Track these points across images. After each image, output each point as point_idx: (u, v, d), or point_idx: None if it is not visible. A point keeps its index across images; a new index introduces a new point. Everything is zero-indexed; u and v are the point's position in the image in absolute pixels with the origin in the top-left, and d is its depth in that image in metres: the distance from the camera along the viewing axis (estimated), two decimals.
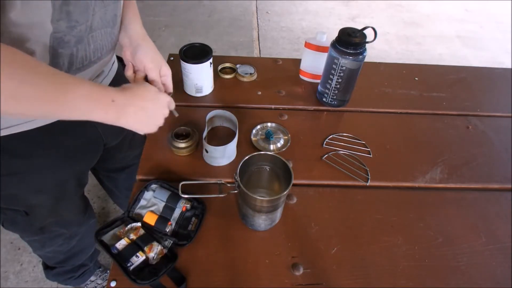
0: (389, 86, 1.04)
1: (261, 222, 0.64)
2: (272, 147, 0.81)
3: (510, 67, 1.21)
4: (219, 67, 1.03)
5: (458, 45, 2.92)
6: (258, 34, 2.80)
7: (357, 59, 0.81)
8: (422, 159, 0.82)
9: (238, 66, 1.03)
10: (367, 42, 0.80)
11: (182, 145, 0.76)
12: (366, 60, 0.84)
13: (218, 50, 2.52)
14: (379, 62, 1.13)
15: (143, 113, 0.58)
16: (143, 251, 0.59)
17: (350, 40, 0.79)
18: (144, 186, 0.69)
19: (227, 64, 1.05)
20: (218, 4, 3.11)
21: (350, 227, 0.68)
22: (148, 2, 3.02)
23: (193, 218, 0.66)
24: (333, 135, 0.86)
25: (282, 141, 0.82)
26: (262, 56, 2.53)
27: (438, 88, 1.04)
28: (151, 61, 0.70)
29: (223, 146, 0.72)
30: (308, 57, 0.98)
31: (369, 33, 0.79)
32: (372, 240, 0.66)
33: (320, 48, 0.94)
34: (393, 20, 3.19)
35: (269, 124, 0.86)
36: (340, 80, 0.86)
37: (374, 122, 0.92)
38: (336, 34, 0.83)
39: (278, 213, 0.65)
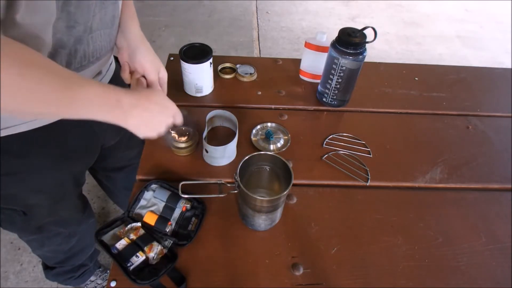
0: (389, 86, 1.04)
1: (261, 222, 0.64)
2: (272, 147, 0.81)
3: (510, 67, 1.21)
4: (219, 67, 1.03)
5: (458, 45, 2.92)
6: (258, 34, 2.80)
7: (357, 59, 0.81)
8: (422, 159, 0.82)
9: (238, 66, 1.03)
10: (367, 42, 0.80)
11: (182, 145, 0.76)
12: (366, 60, 0.84)
13: (218, 50, 2.52)
14: (379, 62, 1.13)
15: (148, 115, 0.57)
16: (143, 251, 0.59)
17: (350, 40, 0.79)
18: (144, 186, 0.69)
19: (227, 64, 1.05)
20: (218, 4, 3.11)
21: (350, 227, 0.68)
22: (148, 2, 3.02)
23: (193, 218, 0.66)
24: (333, 135, 0.86)
25: (282, 141, 0.82)
26: (262, 56, 2.53)
27: (438, 88, 1.04)
28: (150, 64, 0.70)
29: (223, 146, 0.72)
30: (308, 57, 0.98)
31: (369, 33, 0.79)
32: (372, 240, 0.66)
33: (320, 48, 0.94)
34: (393, 20, 3.19)
35: (269, 124, 0.86)
36: (340, 80, 0.86)
37: (374, 122, 0.92)
38: (336, 34, 0.83)
39: (278, 213, 0.65)
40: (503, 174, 0.80)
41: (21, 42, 0.47)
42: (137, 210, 0.67)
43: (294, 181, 0.59)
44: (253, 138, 0.82)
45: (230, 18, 2.94)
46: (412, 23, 3.17)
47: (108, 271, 1.31)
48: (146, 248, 0.60)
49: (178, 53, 0.89)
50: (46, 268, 1.12)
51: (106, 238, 0.62)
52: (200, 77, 0.90)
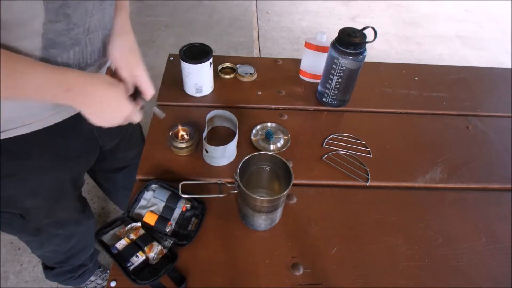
0: (389, 86, 1.04)
1: (261, 222, 0.64)
2: (272, 147, 0.81)
3: (510, 67, 1.21)
4: (219, 67, 1.03)
5: (458, 45, 2.92)
6: (258, 34, 2.80)
7: (357, 59, 0.81)
8: (422, 159, 0.82)
9: (238, 66, 1.03)
10: (367, 42, 0.80)
11: (182, 145, 0.76)
12: (366, 60, 0.84)
13: (218, 50, 2.52)
14: (379, 62, 1.13)
15: (97, 107, 0.56)
16: (143, 251, 0.59)
17: (350, 40, 0.79)
18: (144, 186, 0.69)
19: (227, 64, 1.05)
20: (218, 4, 3.11)
21: (350, 227, 0.68)
22: (148, 2, 3.02)
23: (193, 218, 0.66)
24: (333, 135, 0.86)
25: (282, 141, 0.82)
26: (262, 56, 2.53)
27: (438, 88, 1.04)
28: (121, 59, 0.64)
29: (223, 146, 0.72)
30: (308, 57, 0.98)
31: (369, 33, 0.79)
32: (372, 240, 0.66)
33: (320, 48, 0.94)
34: (393, 20, 3.19)
35: (269, 124, 0.86)
36: (340, 80, 0.86)
37: (374, 122, 0.92)
38: (336, 34, 0.83)
39: (278, 213, 0.65)
40: (503, 174, 0.80)
41: (3, 41, 0.47)
42: (137, 210, 0.67)
43: (294, 181, 0.59)
44: (253, 138, 0.82)
45: (230, 18, 2.93)
46: (412, 23, 3.16)
47: (108, 271, 1.31)
48: (146, 248, 0.60)
49: (178, 53, 0.89)
50: (46, 268, 1.12)
51: (106, 238, 0.62)
52: (200, 77, 0.90)
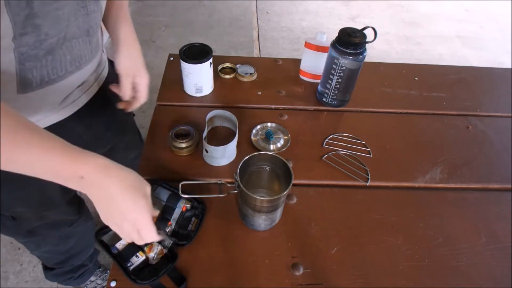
0: (389, 86, 1.04)
1: (261, 222, 0.64)
2: (272, 147, 0.81)
3: (510, 67, 1.21)
4: (219, 67, 1.03)
5: (458, 45, 2.92)
6: (258, 34, 2.80)
7: (357, 59, 0.81)
8: (422, 159, 0.82)
9: (238, 66, 1.03)
10: (367, 42, 0.80)
11: (182, 145, 0.76)
12: (366, 60, 0.84)
13: (218, 50, 2.52)
14: (379, 62, 1.13)
15: (107, 208, 0.48)
16: (143, 251, 0.59)
17: (350, 40, 0.79)
18: None
19: (227, 64, 1.05)
20: (218, 4, 3.11)
21: (350, 227, 0.68)
22: (148, 2, 3.02)
23: (193, 218, 0.66)
24: (333, 135, 0.86)
25: (282, 141, 0.82)
26: (262, 56, 2.53)
27: (438, 88, 1.04)
28: (126, 69, 0.69)
29: (223, 146, 0.72)
30: (308, 57, 0.98)
31: (369, 33, 0.79)
32: (372, 240, 0.66)
33: (320, 48, 0.94)
34: (393, 20, 3.19)
35: (269, 124, 0.86)
36: (340, 80, 0.86)
37: (374, 122, 0.92)
38: (336, 34, 0.83)
39: (278, 213, 0.65)
40: (503, 174, 0.80)
41: None
42: None
43: (294, 181, 0.59)
44: (253, 138, 0.82)
45: (230, 18, 2.93)
46: (412, 23, 3.17)
47: (108, 271, 1.31)
48: (146, 248, 0.60)
49: (178, 53, 0.89)
50: (46, 268, 1.12)
51: (106, 238, 0.62)
52: (200, 77, 0.90)
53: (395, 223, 0.69)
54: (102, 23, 0.71)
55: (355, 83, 0.89)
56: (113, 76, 0.84)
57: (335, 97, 0.90)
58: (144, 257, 0.59)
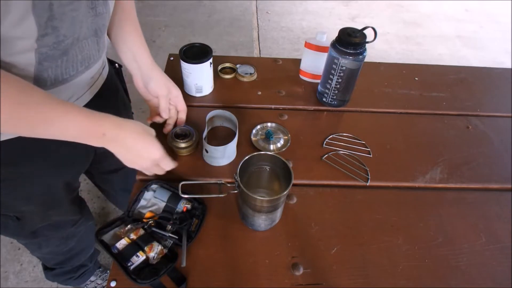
0: (389, 86, 1.04)
1: (261, 222, 0.64)
2: (272, 147, 0.81)
3: (510, 67, 1.21)
4: (219, 67, 1.03)
5: (458, 45, 2.92)
6: (258, 34, 2.80)
7: (357, 59, 0.81)
8: (422, 159, 0.82)
9: (238, 66, 1.03)
10: (367, 42, 0.80)
11: (182, 145, 0.76)
12: (366, 60, 0.84)
13: (218, 50, 2.52)
14: (379, 62, 1.13)
15: (125, 152, 0.60)
16: (143, 251, 0.59)
17: (350, 40, 0.79)
18: (144, 186, 0.69)
19: (227, 64, 1.05)
20: (218, 4, 3.11)
21: (350, 227, 0.68)
22: (148, 2, 3.02)
23: (194, 219, 0.66)
24: (333, 135, 0.86)
25: (282, 141, 0.82)
26: (262, 56, 2.53)
27: (438, 88, 1.04)
28: (163, 90, 0.75)
29: (223, 146, 0.72)
30: (308, 57, 0.98)
31: (369, 33, 0.79)
32: (372, 240, 0.66)
33: (320, 48, 0.94)
34: (393, 20, 3.20)
35: (269, 124, 0.86)
36: (340, 80, 0.86)
37: (374, 122, 0.92)
38: (336, 34, 0.83)
39: (278, 213, 0.65)
40: (503, 174, 0.81)
41: (2, 60, 0.48)
42: (137, 210, 0.67)
43: (294, 181, 0.59)
44: (253, 138, 0.82)
45: (230, 18, 2.94)
46: (412, 23, 3.17)
47: (108, 271, 1.31)
48: (146, 248, 0.60)
49: (178, 53, 0.89)
50: (46, 268, 1.12)
51: (107, 237, 0.62)
52: (200, 77, 0.90)
53: (395, 223, 0.69)
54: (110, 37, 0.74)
55: (355, 83, 0.89)
56: (112, 75, 0.84)
57: (335, 97, 0.90)
58: (144, 257, 0.59)
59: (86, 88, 0.69)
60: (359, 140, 0.85)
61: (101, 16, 0.61)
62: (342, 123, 0.91)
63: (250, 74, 1.01)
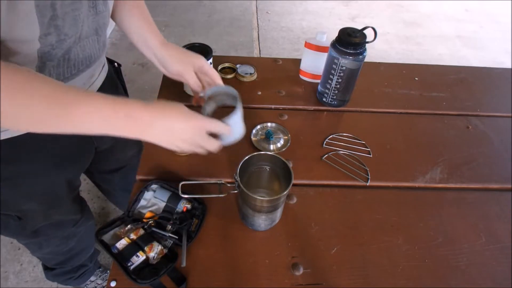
0: (389, 86, 1.04)
1: (261, 222, 0.64)
2: (272, 147, 0.81)
3: (510, 67, 1.21)
4: (219, 67, 1.03)
5: (458, 45, 2.92)
6: (258, 34, 2.80)
7: (357, 59, 0.81)
8: (422, 159, 0.82)
9: (238, 66, 1.03)
10: (367, 42, 0.80)
11: None
12: (366, 60, 0.84)
13: (218, 50, 2.52)
14: (379, 62, 1.13)
15: (169, 133, 0.52)
16: (143, 250, 0.59)
17: (350, 40, 0.79)
18: (144, 186, 0.69)
19: (227, 64, 1.05)
20: (218, 4, 3.11)
21: (350, 227, 0.68)
22: (148, 2, 3.01)
23: (194, 219, 0.66)
24: (333, 135, 0.86)
25: (282, 141, 0.82)
26: (262, 56, 2.53)
27: (438, 88, 1.04)
28: (182, 65, 0.70)
29: (230, 115, 0.62)
30: (308, 57, 0.98)
31: (369, 33, 0.79)
32: (372, 240, 0.66)
33: (320, 48, 0.94)
34: (393, 20, 3.20)
35: (269, 124, 0.86)
36: (340, 80, 0.86)
37: (374, 122, 0.92)
38: (336, 34, 0.83)
39: (278, 213, 0.65)
40: (503, 174, 0.81)
41: (3, 57, 0.46)
42: (137, 210, 0.67)
43: (294, 181, 0.59)
44: (253, 138, 0.82)
45: (230, 18, 2.94)
46: (412, 23, 3.17)
47: (108, 271, 1.31)
48: (146, 248, 0.60)
49: None
50: (46, 268, 1.12)
51: (107, 237, 0.62)
52: None
53: (395, 223, 0.69)
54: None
55: (355, 83, 0.89)
56: (112, 74, 0.84)
57: (335, 97, 0.90)
58: (144, 257, 0.59)
59: (86, 87, 0.69)
60: (359, 140, 0.85)
61: (101, 14, 0.61)
62: (342, 123, 0.91)
63: (250, 74, 1.01)
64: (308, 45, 0.96)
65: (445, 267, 0.63)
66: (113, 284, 0.57)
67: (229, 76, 1.01)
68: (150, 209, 0.67)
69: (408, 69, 1.12)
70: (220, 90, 0.71)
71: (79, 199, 0.95)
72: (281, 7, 3.19)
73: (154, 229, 0.62)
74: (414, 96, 1.01)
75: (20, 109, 0.43)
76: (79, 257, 1.10)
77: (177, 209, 0.67)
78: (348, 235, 0.66)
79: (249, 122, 0.86)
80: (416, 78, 1.08)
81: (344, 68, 0.83)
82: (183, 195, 0.63)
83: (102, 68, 0.76)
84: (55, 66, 0.56)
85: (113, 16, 0.71)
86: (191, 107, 0.56)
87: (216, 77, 0.71)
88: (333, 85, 0.88)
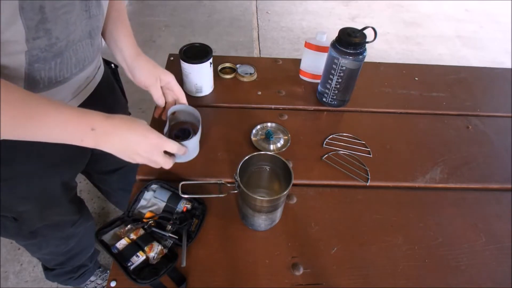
0: (389, 86, 1.04)
1: (261, 222, 0.64)
2: (272, 147, 0.81)
3: (510, 67, 1.21)
4: (219, 67, 1.03)
5: (458, 45, 2.92)
6: (258, 34, 2.81)
7: (357, 59, 0.81)
8: (422, 159, 0.82)
9: (238, 66, 1.03)
10: (367, 42, 0.80)
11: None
12: (366, 60, 0.84)
13: (218, 50, 2.52)
14: (379, 62, 1.13)
15: (124, 144, 0.55)
16: (143, 251, 0.59)
17: (350, 40, 0.79)
18: (144, 186, 0.69)
19: (227, 64, 1.05)
20: (218, 4, 3.11)
21: (350, 227, 0.68)
22: (148, 2, 3.02)
23: (194, 219, 0.66)
24: (333, 135, 0.86)
25: (282, 141, 0.82)
26: (262, 56, 2.53)
27: (438, 88, 1.04)
28: (149, 78, 0.72)
29: (186, 141, 0.68)
30: (308, 57, 0.98)
31: (369, 33, 0.79)
32: (372, 240, 0.66)
33: (320, 48, 0.94)
34: (393, 20, 3.20)
35: (269, 124, 0.86)
36: (340, 80, 0.86)
37: (374, 122, 0.92)
38: (336, 34, 0.83)
39: (278, 213, 0.65)
40: (503, 174, 0.81)
41: None
42: (137, 210, 0.67)
43: (294, 181, 0.59)
44: (253, 138, 0.82)
45: (230, 18, 2.94)
46: (412, 23, 3.17)
47: (108, 271, 1.31)
48: (146, 248, 0.60)
49: (178, 53, 0.89)
50: (46, 269, 1.12)
51: (107, 237, 0.62)
52: (200, 77, 0.90)
53: (395, 223, 0.69)
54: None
55: (355, 83, 0.89)
56: (108, 75, 0.84)
57: (335, 97, 0.90)
58: (144, 257, 0.59)
59: (81, 89, 0.69)
60: (359, 140, 0.85)
61: (95, 18, 0.60)
62: (342, 123, 0.91)
63: (250, 74, 1.01)
64: (308, 45, 0.96)
65: (445, 267, 0.63)
66: (113, 284, 0.57)
67: (229, 76, 1.01)
68: (150, 209, 0.67)
69: (408, 69, 1.12)
70: (183, 109, 0.76)
71: (76, 200, 0.94)
72: (281, 7, 3.19)
73: (154, 229, 0.62)
74: (414, 96, 1.01)
75: None
76: (79, 258, 1.10)
77: (177, 209, 0.67)
78: (348, 235, 0.66)
79: (249, 122, 0.86)
80: (416, 78, 1.08)
81: (344, 68, 0.83)
82: (183, 195, 0.63)
83: (98, 70, 0.76)
84: (46, 70, 0.55)
85: None
86: None
87: (181, 96, 0.75)
88: (333, 85, 0.88)
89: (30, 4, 0.45)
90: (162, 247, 0.61)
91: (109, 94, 0.83)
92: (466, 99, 1.01)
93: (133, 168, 0.75)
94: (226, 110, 0.91)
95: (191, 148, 0.73)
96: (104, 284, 1.28)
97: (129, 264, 0.57)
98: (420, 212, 0.71)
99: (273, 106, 0.93)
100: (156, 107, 0.78)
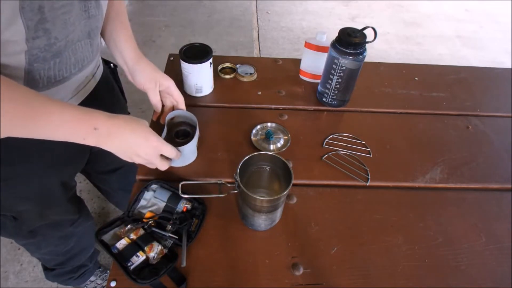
0: (389, 86, 1.04)
1: (261, 222, 0.64)
2: (272, 147, 0.81)
3: (510, 67, 1.21)
4: (219, 67, 1.03)
5: (458, 45, 2.92)
6: (258, 34, 2.81)
7: (357, 59, 0.81)
8: (422, 159, 0.82)
9: (238, 66, 1.03)
10: (367, 42, 0.80)
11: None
12: (366, 60, 0.84)
13: (218, 50, 2.53)
14: (379, 62, 1.13)
15: (124, 145, 0.57)
16: (143, 250, 0.59)
17: (350, 40, 0.79)
18: (144, 186, 0.69)
19: (227, 64, 1.05)
20: (218, 4, 3.11)
21: (350, 227, 0.68)
22: (148, 2, 3.02)
23: (194, 219, 0.66)
24: (333, 135, 0.86)
25: (282, 141, 0.82)
26: (262, 56, 2.53)
27: (438, 88, 1.04)
28: (149, 82, 0.72)
29: (182, 146, 0.69)
30: (308, 57, 0.98)
31: (369, 33, 0.79)
32: (372, 240, 0.66)
33: (320, 48, 0.94)
34: (393, 20, 3.20)
35: (269, 124, 0.86)
36: (340, 80, 0.86)
37: (374, 122, 0.92)
38: (336, 34, 0.83)
39: (278, 213, 0.65)
40: (503, 174, 0.81)
41: None
42: (137, 210, 0.67)
43: (294, 181, 0.59)
44: (253, 138, 0.82)
45: (230, 18, 2.94)
46: (412, 23, 3.17)
47: (108, 271, 1.31)
48: (146, 248, 0.60)
49: (178, 53, 0.89)
50: (46, 269, 1.12)
51: (107, 237, 0.62)
52: (200, 77, 0.90)
53: (395, 223, 0.69)
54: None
55: (355, 83, 0.89)
56: (107, 75, 0.84)
57: (335, 97, 0.90)
58: (144, 257, 0.59)
59: (80, 88, 0.69)
60: (359, 140, 0.85)
61: (94, 18, 0.61)
62: (342, 123, 0.91)
63: (250, 74, 1.01)
64: (308, 45, 0.96)
65: (445, 267, 0.63)
66: (113, 284, 0.57)
67: (229, 76, 1.01)
68: (150, 209, 0.67)
69: (408, 69, 1.12)
70: (181, 114, 0.77)
71: (76, 199, 0.94)
72: (281, 7, 3.19)
73: (154, 229, 0.62)
74: (414, 96, 1.01)
75: None
76: (79, 257, 1.10)
77: (177, 209, 0.67)
78: (348, 235, 0.66)
79: (249, 122, 0.86)
80: (416, 78, 1.08)
81: (344, 68, 0.83)
82: (183, 195, 0.63)
83: (97, 70, 0.76)
84: (46, 69, 0.55)
85: None
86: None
87: (180, 101, 0.76)
88: (333, 85, 0.88)
89: (30, 4, 0.45)
90: (162, 247, 0.61)
91: (108, 94, 0.84)
92: (466, 99, 1.01)
93: (133, 168, 0.75)
94: (226, 110, 0.91)
95: (187, 153, 0.73)
96: (104, 284, 1.28)
97: (129, 264, 0.57)
98: (420, 212, 0.71)
99: (273, 106, 0.93)
100: (155, 111, 0.78)
